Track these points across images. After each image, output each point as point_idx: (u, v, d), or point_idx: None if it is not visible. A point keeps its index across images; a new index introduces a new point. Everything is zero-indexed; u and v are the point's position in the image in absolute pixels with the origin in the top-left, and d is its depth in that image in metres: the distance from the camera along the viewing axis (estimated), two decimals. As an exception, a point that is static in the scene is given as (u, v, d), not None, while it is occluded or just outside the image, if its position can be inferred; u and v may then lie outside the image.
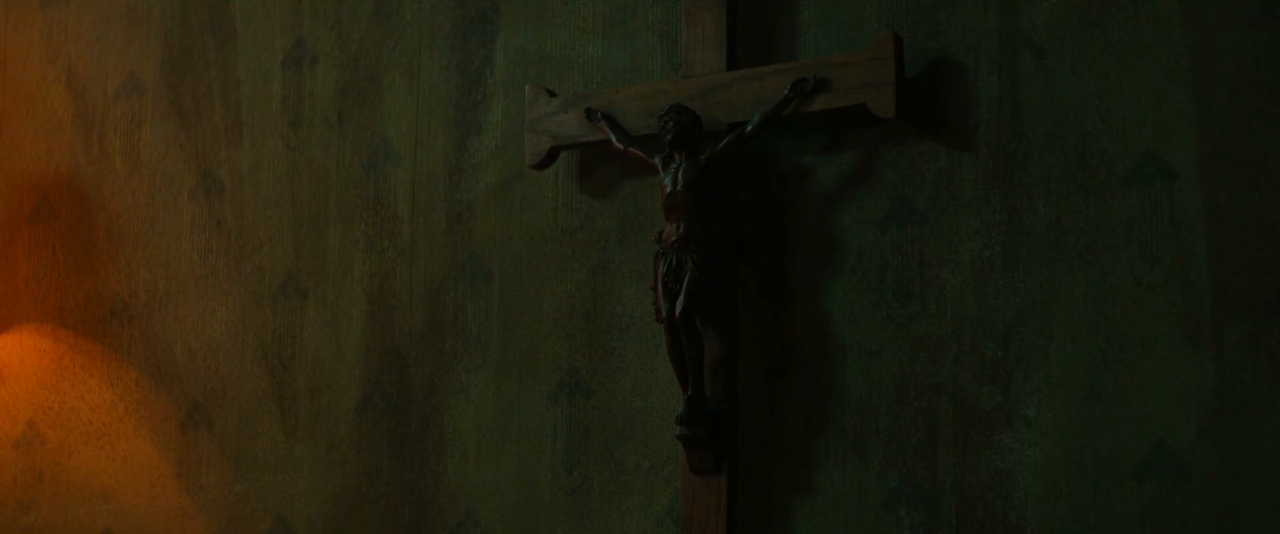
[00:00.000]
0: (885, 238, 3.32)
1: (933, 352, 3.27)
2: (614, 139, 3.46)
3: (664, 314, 3.32)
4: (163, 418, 3.96)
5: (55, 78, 4.18)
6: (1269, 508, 2.99)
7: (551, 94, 3.57)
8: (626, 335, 3.53)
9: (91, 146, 4.11)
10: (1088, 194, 3.18)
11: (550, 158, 3.57)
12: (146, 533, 3.93)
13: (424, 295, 3.74)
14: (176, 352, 3.97)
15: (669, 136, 3.36)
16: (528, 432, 3.60)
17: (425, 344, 3.73)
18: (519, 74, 3.69)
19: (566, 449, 3.56)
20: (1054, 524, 3.14)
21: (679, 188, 3.34)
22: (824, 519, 3.33)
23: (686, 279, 3.32)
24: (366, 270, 3.80)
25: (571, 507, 3.54)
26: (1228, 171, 3.08)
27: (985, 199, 3.26)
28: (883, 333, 3.31)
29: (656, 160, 3.40)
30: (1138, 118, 3.16)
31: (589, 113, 3.50)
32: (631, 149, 3.45)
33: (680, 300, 3.31)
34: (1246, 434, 3.02)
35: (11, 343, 4.12)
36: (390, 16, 3.84)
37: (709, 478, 3.36)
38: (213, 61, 4.02)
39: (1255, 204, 3.06)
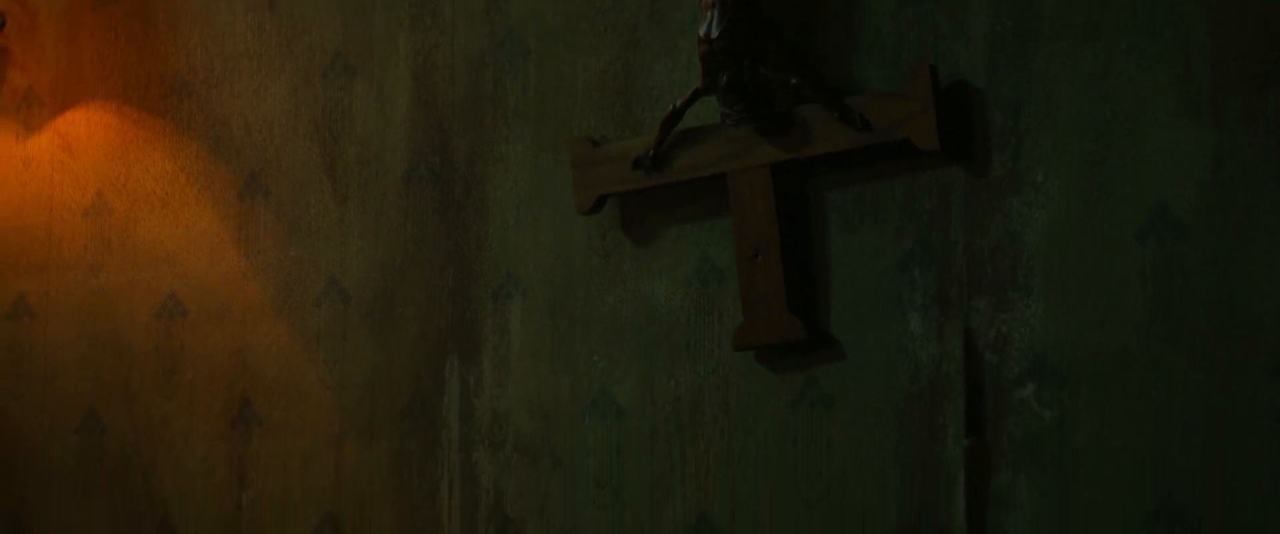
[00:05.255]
0: (903, 12, 3.39)
1: (945, 120, 3.34)
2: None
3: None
4: (222, 187, 4.07)
5: None
6: (1262, 265, 3.09)
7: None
8: (656, 107, 3.60)
9: (149, -68, 4.18)
10: (1095, -31, 3.24)
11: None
12: (208, 294, 4.06)
13: (465, 71, 3.82)
14: (233, 125, 4.06)
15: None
16: (563, 198, 3.70)
17: (466, 117, 3.81)
18: None
19: (599, 215, 3.65)
20: (1059, 280, 3.24)
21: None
22: (842, 279, 3.43)
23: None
24: (411, 48, 3.88)
25: (604, 268, 3.66)
26: (1229, -53, 3.14)
27: (997, -26, 3.32)
28: (898, 103, 3.37)
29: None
30: (1143, -103, 3.21)
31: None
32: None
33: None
34: (1243, 197, 3.11)
35: (79, 118, 4.22)
36: None
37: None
38: None
39: (1254, -22, 3.12)
